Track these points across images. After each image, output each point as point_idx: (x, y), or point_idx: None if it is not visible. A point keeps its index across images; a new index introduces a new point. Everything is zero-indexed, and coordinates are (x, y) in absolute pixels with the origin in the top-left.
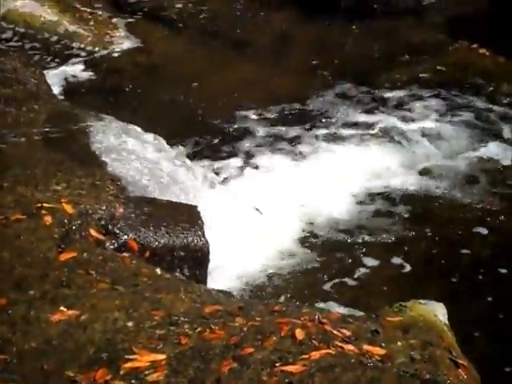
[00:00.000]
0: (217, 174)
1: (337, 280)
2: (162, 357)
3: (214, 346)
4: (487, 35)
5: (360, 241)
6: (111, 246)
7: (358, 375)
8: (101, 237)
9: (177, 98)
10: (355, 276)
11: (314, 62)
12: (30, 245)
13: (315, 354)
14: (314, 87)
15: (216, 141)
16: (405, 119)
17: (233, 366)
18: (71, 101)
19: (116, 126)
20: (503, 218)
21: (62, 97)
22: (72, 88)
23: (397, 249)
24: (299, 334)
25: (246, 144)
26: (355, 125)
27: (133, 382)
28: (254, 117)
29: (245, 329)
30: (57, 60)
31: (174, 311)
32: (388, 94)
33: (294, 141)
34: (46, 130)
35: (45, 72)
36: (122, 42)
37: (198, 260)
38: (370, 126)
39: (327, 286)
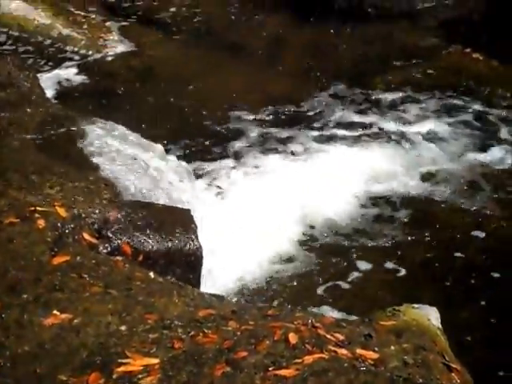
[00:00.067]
0: (212, 176)
1: (331, 284)
2: (155, 361)
3: (207, 349)
4: (481, 39)
5: (355, 244)
6: (104, 250)
7: (351, 379)
8: (94, 240)
9: (171, 101)
10: (349, 280)
11: (309, 65)
12: (23, 248)
13: (308, 358)
14: (308, 90)
15: (211, 143)
16: (399, 122)
17: (226, 370)
18: (65, 104)
19: (110, 129)
20: (499, 223)
21: (56, 100)
22: (65, 91)
23: (391, 253)
24: (292, 338)
25: (241, 146)
26: (350, 127)
27: None
28: (248, 119)
29: (238, 333)
30: (50, 63)
31: (167, 315)
32: (382, 97)
33: (290, 143)
34: (40, 133)
35: (38, 75)
36: (116, 46)
37: (191, 264)
38: (364, 128)
39: (321, 290)
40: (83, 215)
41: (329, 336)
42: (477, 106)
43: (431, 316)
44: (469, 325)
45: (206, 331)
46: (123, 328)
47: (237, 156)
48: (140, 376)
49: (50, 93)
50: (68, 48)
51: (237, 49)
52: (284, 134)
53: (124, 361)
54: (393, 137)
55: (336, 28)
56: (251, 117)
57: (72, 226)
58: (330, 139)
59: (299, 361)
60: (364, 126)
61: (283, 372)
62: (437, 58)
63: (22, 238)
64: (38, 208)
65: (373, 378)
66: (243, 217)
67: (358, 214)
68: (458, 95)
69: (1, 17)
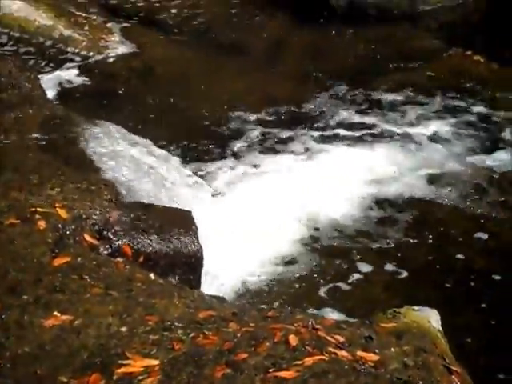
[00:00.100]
0: (212, 176)
1: (331, 285)
2: (155, 362)
3: (208, 351)
4: (481, 42)
5: (356, 245)
6: (105, 251)
7: (352, 381)
8: (95, 242)
9: (172, 102)
10: (350, 281)
11: (310, 67)
12: (23, 249)
13: (309, 360)
14: (309, 91)
15: (212, 143)
16: (400, 124)
17: (226, 372)
18: (66, 105)
19: (111, 130)
20: (500, 225)
21: (57, 101)
22: (66, 92)
23: (392, 254)
24: (293, 339)
25: (242, 146)
26: (351, 128)
27: None
28: (249, 120)
29: (238, 334)
30: (51, 64)
31: (167, 316)
32: (383, 99)
33: (291, 143)
34: (41, 134)
35: (39, 76)
36: (117, 47)
37: (191, 265)
38: (365, 129)
39: (322, 292)
40: (84, 216)
41: (329, 338)
42: (478, 109)
43: (432, 318)
44: (469, 327)
45: (206, 333)
46: (124, 329)
47: (238, 156)
48: (140, 377)
49: (51, 94)
50: (69, 49)
51: (238, 50)
52: (285, 134)
53: (124, 362)
54: (394, 138)
55: (337, 30)
56: (252, 117)
57: (73, 227)
58: (331, 140)
59: (299, 362)
60: (365, 127)
61: (283, 374)
62: (438, 61)
63: (22, 239)
64: (38, 209)
65: (373, 380)
66: (244, 217)
67: (359, 216)
68: (459, 97)
69: (2, 18)
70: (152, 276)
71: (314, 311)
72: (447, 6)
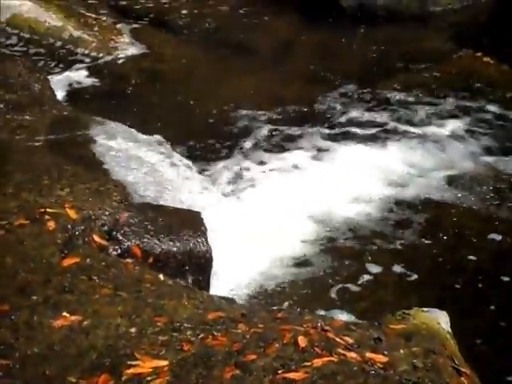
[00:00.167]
0: (221, 176)
1: (341, 286)
2: (164, 363)
3: (217, 352)
4: (491, 44)
5: (366, 246)
6: (114, 252)
7: (361, 383)
8: (104, 242)
9: (181, 103)
10: (359, 283)
11: (318, 67)
12: (33, 250)
13: (318, 362)
14: (317, 91)
15: (220, 144)
16: (411, 124)
17: (235, 373)
18: (75, 106)
19: (120, 131)
20: (509, 228)
21: (66, 102)
22: (76, 93)
23: (402, 255)
24: (302, 341)
25: (251, 146)
26: (361, 128)
27: None
28: (258, 119)
29: (247, 335)
30: (61, 65)
31: (176, 317)
32: (392, 99)
33: (300, 143)
34: (50, 135)
35: (49, 77)
36: (127, 48)
37: (200, 266)
38: (375, 129)
39: (331, 293)
40: (93, 217)
41: (338, 339)
42: (488, 110)
43: (441, 320)
44: (478, 329)
45: (215, 334)
46: (133, 330)
47: (246, 156)
48: (149, 378)
49: (60, 95)
50: (79, 50)
51: (246, 50)
52: (294, 134)
53: (133, 363)
54: (405, 138)
55: (346, 30)
56: (260, 117)
57: (82, 227)
58: (340, 139)
59: (308, 364)
60: (374, 126)
61: (292, 375)
62: (448, 62)
63: (32, 239)
64: (48, 210)
65: (382, 381)
66: (253, 217)
67: (370, 216)
68: (470, 99)
69: (12, 19)
70: (161, 277)
71: (323, 312)
72: (457, 7)
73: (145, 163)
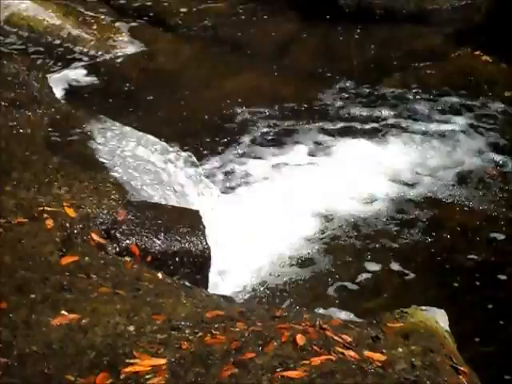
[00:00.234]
0: (221, 174)
1: (340, 285)
2: (162, 361)
3: (215, 350)
4: (490, 42)
5: (365, 244)
6: (113, 251)
7: (359, 381)
8: (102, 241)
9: (180, 102)
10: (358, 281)
11: (316, 65)
12: (31, 248)
13: (316, 360)
14: (316, 89)
15: (219, 142)
16: (411, 122)
17: (233, 371)
18: (74, 104)
19: (119, 129)
20: (509, 225)
21: (65, 100)
22: (74, 92)
23: (401, 254)
24: (300, 339)
25: (250, 144)
26: (360, 125)
27: None
28: (257, 117)
29: (246, 334)
30: (60, 64)
31: (175, 316)
32: (391, 98)
33: (300, 141)
34: (49, 133)
35: (48, 76)
36: (126, 47)
37: (199, 264)
38: (375, 127)
39: (330, 291)
40: (92, 215)
41: (336, 338)
42: (488, 108)
43: (439, 318)
44: (477, 327)
45: (213, 332)
46: (131, 328)
47: (245, 153)
48: (147, 376)
49: (59, 93)
50: (77, 48)
51: (246, 48)
52: (294, 132)
53: (132, 361)
54: (405, 136)
55: (345, 29)
56: (259, 114)
57: (80, 226)
58: (340, 137)
59: (307, 362)
60: (374, 124)
61: (291, 373)
62: (446, 61)
63: (30, 238)
64: (46, 208)
65: (380, 380)
66: (252, 215)
67: (368, 214)
68: (469, 97)
69: (11, 17)
70: (160, 275)
71: (323, 311)
72: (456, 5)
73: (143, 161)
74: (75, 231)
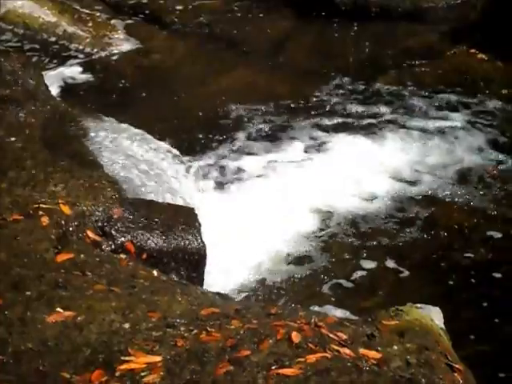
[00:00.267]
0: (216, 172)
1: (334, 283)
2: (157, 359)
3: (210, 348)
4: (486, 40)
5: (361, 242)
6: (108, 248)
7: (354, 379)
8: (98, 238)
9: (176, 100)
10: (353, 279)
11: (312, 63)
12: (26, 245)
13: (311, 358)
14: (311, 86)
15: (215, 139)
16: (406, 119)
17: (229, 369)
18: (69, 102)
19: (114, 127)
20: (505, 223)
21: (60, 98)
22: (70, 89)
23: (397, 252)
24: (295, 337)
25: (246, 141)
26: (356, 123)
27: (128, 383)
28: (253, 114)
29: (241, 331)
30: (55, 61)
31: (170, 313)
32: (387, 96)
33: (296, 138)
34: (44, 130)
35: (43, 73)
36: (121, 44)
37: (194, 262)
38: (371, 124)
39: (325, 289)
40: (87, 213)
41: (332, 335)
42: (484, 106)
43: (434, 316)
44: (472, 325)
45: (209, 330)
46: (126, 326)
47: (241, 150)
48: (143, 374)
49: (54, 90)
50: (73, 46)
51: (241, 46)
52: (289, 128)
53: (127, 358)
54: (401, 134)
55: (341, 27)
56: (255, 111)
57: (76, 223)
58: (336, 133)
59: (302, 360)
60: (371, 121)
61: (286, 371)
62: (442, 58)
63: (25, 235)
64: (41, 205)
65: (375, 377)
66: (248, 213)
67: (364, 211)
68: (465, 94)
69: (6, 14)
70: (155, 273)
71: (317, 308)
72: (451, 3)
73: (139, 158)
74: (71, 228)
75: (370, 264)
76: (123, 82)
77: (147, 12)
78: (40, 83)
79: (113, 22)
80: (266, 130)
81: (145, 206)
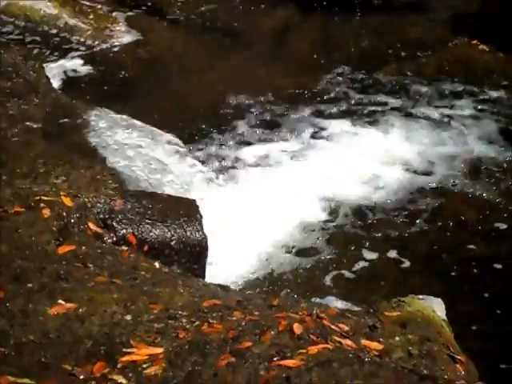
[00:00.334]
0: (217, 163)
1: (336, 274)
2: (159, 350)
3: (212, 339)
4: (487, 31)
5: (364, 233)
6: (110, 240)
7: (356, 370)
8: (99, 230)
9: (177, 92)
10: (355, 270)
11: (314, 54)
12: (28, 238)
13: (313, 349)
14: (313, 77)
15: (216, 130)
16: (408, 110)
17: (230, 360)
18: (70, 94)
19: (116, 119)
20: (507, 215)
21: (62, 90)
22: (71, 81)
23: (400, 243)
24: (297, 328)
25: (247, 133)
26: (357, 114)
27: (130, 375)
28: (254, 106)
29: (243, 323)
30: (56, 53)
31: (172, 305)
32: (389, 86)
33: (297, 129)
34: (45, 123)
35: (44, 65)
36: (123, 36)
37: (196, 254)
38: (373, 114)
39: (326, 280)
40: (89, 205)
41: (333, 327)
42: (485, 97)
43: (436, 307)
44: (474, 316)
45: (210, 321)
46: (128, 318)
47: (243, 141)
48: (144, 365)
49: (56, 83)
50: (74, 38)
51: (243, 37)
52: (293, 120)
53: (129, 350)
54: (404, 124)
55: (343, 18)
56: (256, 103)
57: (77, 215)
58: (339, 125)
59: (304, 351)
60: (373, 112)
61: (287, 362)
62: (444, 50)
63: (27, 227)
64: (43, 197)
65: (377, 368)
66: (250, 204)
67: (366, 201)
68: (467, 85)
69: (8, 6)
70: (157, 264)
71: (319, 299)
72: None
73: (140, 150)
74: (72, 220)
75: (372, 255)
76: (124, 73)
77: (149, 4)
78: (41, 75)
79: (114, 14)
80: (268, 119)
81: (146, 198)
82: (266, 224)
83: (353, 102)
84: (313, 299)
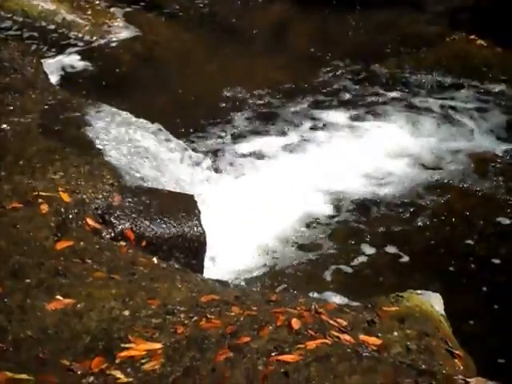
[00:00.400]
0: (215, 158)
1: (335, 269)
2: (157, 346)
3: (210, 335)
4: (485, 26)
5: (362, 228)
6: (108, 235)
7: (354, 365)
8: (97, 226)
9: (175, 87)
10: (354, 265)
11: (313, 50)
12: (26, 233)
13: (311, 344)
14: (313, 73)
15: (214, 125)
16: (408, 104)
17: (228, 355)
18: (68, 89)
19: (113, 114)
20: (507, 211)
21: (59, 86)
22: (69, 77)
23: (400, 238)
24: (295, 323)
25: (245, 127)
26: (356, 107)
27: (128, 370)
28: (252, 100)
29: (241, 318)
30: (54, 49)
31: (170, 300)
32: (388, 82)
33: (297, 122)
34: (43, 118)
35: (42, 61)
36: (121, 32)
37: (194, 249)
38: (372, 109)
39: (325, 275)
40: (87, 200)
41: (332, 322)
42: (484, 91)
43: (435, 302)
44: (472, 311)
45: (208, 316)
46: (126, 313)
47: (241, 136)
48: (143, 361)
49: (53, 78)
50: (72, 34)
51: (240, 33)
52: (293, 113)
53: (127, 345)
54: (403, 118)
55: (341, 13)
56: (255, 98)
57: (75, 211)
58: (338, 119)
59: (302, 346)
60: (373, 106)
61: (286, 357)
62: (442, 45)
63: (25, 222)
64: (41, 193)
65: (376, 363)
66: (248, 198)
67: (365, 196)
68: (465, 79)
69: (5, 2)
70: (155, 260)
71: (318, 295)
72: None
73: (138, 146)
74: (70, 216)
75: (371, 250)
76: (122, 69)
77: (147, 0)
78: (39, 71)
79: (112, 9)
80: (267, 112)
81: (144, 194)
82: (265, 218)
83: (351, 95)
84: (311, 294)
